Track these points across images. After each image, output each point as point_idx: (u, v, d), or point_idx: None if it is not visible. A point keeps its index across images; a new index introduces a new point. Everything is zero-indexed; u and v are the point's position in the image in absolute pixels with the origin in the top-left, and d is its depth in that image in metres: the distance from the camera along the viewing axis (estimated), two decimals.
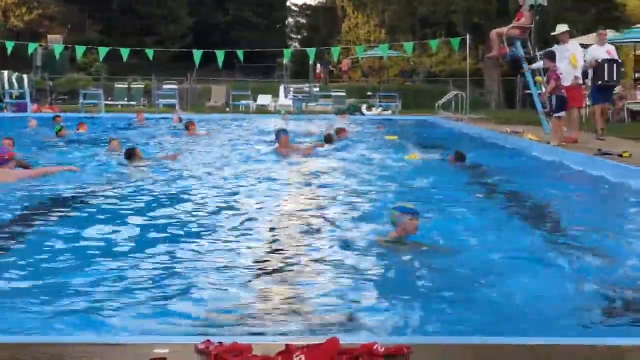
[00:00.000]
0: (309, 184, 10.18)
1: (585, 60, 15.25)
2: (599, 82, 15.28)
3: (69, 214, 7.67)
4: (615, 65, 15.19)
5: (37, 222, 7.22)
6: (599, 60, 15.10)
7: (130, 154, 11.97)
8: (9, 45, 23.38)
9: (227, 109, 32.66)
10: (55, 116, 23.10)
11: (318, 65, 45.69)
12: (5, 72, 30.75)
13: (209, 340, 3.22)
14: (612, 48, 15.79)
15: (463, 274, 5.33)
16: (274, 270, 5.46)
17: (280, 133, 13.93)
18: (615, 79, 15.44)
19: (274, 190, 9.54)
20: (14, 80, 30.66)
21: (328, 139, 15.49)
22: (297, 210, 8.12)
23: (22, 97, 29.78)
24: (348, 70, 47.71)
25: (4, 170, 9.26)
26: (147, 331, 4.00)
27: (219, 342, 3.20)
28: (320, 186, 9.95)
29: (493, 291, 4.85)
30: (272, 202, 8.71)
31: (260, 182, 10.36)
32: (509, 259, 5.80)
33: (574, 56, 14.54)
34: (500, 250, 6.05)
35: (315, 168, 11.74)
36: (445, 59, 44.37)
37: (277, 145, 13.71)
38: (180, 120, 22.98)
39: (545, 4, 17.60)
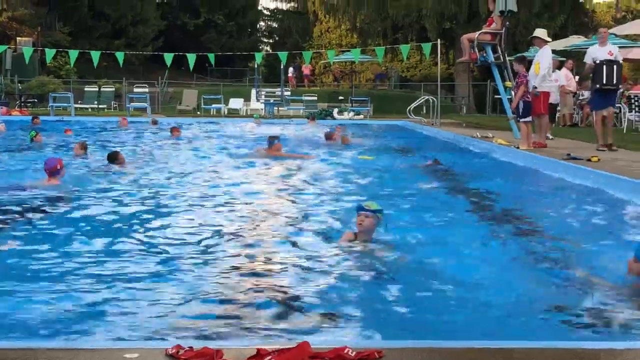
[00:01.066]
0: (286, 189, 10.20)
1: (584, 62, 14.92)
2: (597, 85, 14.23)
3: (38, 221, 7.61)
4: (615, 66, 14.02)
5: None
6: (597, 62, 14.09)
7: (114, 157, 11.91)
8: None
9: (199, 113, 32.56)
10: (34, 117, 22.97)
11: (291, 69, 45.81)
12: None
13: (179, 345, 3.20)
14: (614, 48, 14.54)
15: (432, 276, 5.36)
16: (247, 274, 5.45)
17: (274, 140, 14.08)
18: (615, 82, 14.14)
19: (251, 195, 9.55)
20: None
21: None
22: (272, 214, 8.14)
23: None
24: (310, 74, 47.83)
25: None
26: (117, 336, 3.97)
27: (190, 347, 3.18)
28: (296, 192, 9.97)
29: (460, 293, 4.89)
30: (248, 205, 8.72)
31: (244, 185, 10.50)
32: (474, 261, 5.86)
33: (539, 63, 14.58)
34: (466, 252, 6.13)
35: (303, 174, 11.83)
36: (417, 64, 44.70)
37: (268, 149, 13.92)
38: (156, 123, 22.92)
39: (515, 9, 17.76)
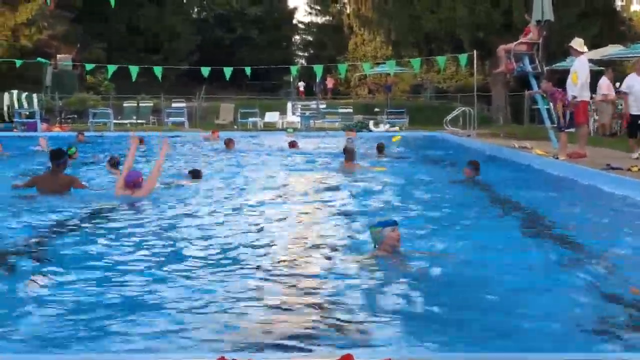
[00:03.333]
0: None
1: (622, 91, 14.98)
2: (632, 113, 14.45)
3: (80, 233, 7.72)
4: None
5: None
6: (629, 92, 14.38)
7: (196, 174, 12.33)
8: (19, 63, 23.43)
9: (235, 127, 32.78)
10: (79, 133, 23.27)
11: (301, 82, 46.19)
12: (15, 92, 31.00)
13: (223, 357, 3.23)
14: None
15: (466, 287, 5.35)
16: (291, 287, 5.49)
17: (350, 152, 14.24)
18: None
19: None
20: (23, 100, 30.90)
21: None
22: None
23: (32, 116, 29.98)
24: (334, 87, 47.88)
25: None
26: (164, 349, 4.02)
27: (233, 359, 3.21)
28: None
29: (498, 306, 4.87)
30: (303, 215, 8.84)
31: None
32: (511, 273, 5.82)
33: (576, 73, 14.48)
34: (504, 264, 6.10)
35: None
36: (453, 75, 44.56)
37: (344, 161, 14.12)
38: (212, 137, 23.23)
39: (552, 19, 17.63)
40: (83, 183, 10.60)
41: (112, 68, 27.47)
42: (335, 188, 11.64)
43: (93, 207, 9.25)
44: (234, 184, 12.20)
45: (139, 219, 8.50)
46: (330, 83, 47.11)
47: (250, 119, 33.73)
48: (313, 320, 4.58)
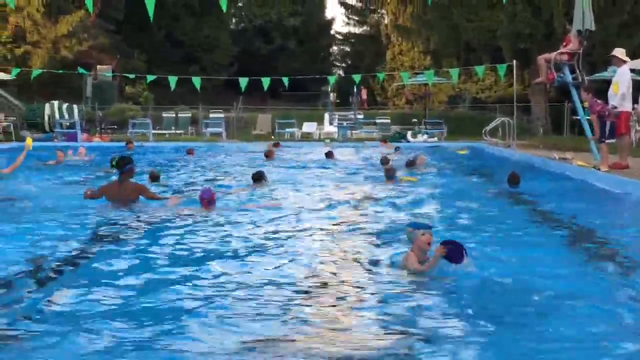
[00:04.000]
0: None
1: None
2: None
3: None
4: None
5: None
6: None
7: (259, 177, 12.61)
8: (60, 75, 23.80)
9: (273, 137, 32.87)
10: (128, 142, 23.56)
11: (332, 94, 46.20)
12: (56, 102, 31.45)
13: None
14: None
15: (506, 298, 5.27)
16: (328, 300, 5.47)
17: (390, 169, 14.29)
18: None
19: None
20: (64, 111, 31.33)
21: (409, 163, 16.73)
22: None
23: (73, 126, 30.37)
24: (367, 98, 47.77)
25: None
26: None
27: None
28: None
29: (537, 321, 4.78)
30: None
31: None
32: (550, 284, 5.73)
33: (617, 83, 14.26)
34: (544, 276, 6.01)
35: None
36: (492, 85, 44.24)
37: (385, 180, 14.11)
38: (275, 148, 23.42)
39: (593, 29, 17.38)
40: (152, 191, 10.62)
41: (150, 78, 27.70)
42: (373, 199, 11.57)
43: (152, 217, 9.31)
44: (273, 195, 12.19)
45: (203, 229, 8.60)
46: (364, 94, 47.05)
47: (288, 130, 33.85)
48: (356, 337, 4.56)
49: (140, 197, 10.19)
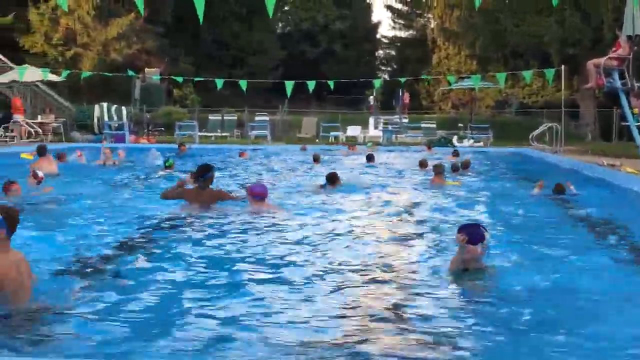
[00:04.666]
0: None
1: None
2: None
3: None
4: None
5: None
6: None
7: (334, 179, 12.78)
8: (109, 77, 24.20)
9: (317, 140, 32.95)
10: (180, 145, 23.90)
11: (371, 97, 46.05)
12: (105, 104, 31.97)
13: None
14: None
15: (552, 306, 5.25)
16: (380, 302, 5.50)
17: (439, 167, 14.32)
18: None
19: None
20: (113, 112, 31.81)
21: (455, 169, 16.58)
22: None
23: (121, 128, 30.83)
24: (410, 102, 47.44)
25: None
26: None
27: None
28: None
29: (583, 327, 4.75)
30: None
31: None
32: (595, 290, 5.70)
33: None
34: (589, 282, 5.99)
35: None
36: (539, 90, 43.74)
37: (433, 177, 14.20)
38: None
39: None
40: (232, 195, 10.90)
41: (198, 79, 27.97)
42: (417, 202, 11.59)
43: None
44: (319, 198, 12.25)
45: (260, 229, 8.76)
46: (406, 98, 46.79)
47: (332, 133, 33.91)
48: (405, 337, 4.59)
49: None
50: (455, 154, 22.17)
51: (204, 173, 10.20)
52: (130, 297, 5.48)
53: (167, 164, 16.53)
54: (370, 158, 20.21)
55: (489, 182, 15.38)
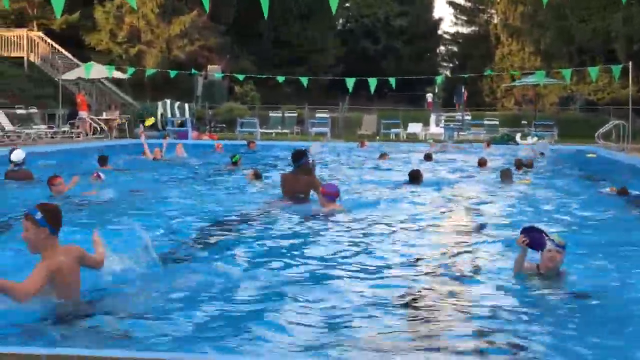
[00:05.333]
0: None
1: None
2: None
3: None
4: None
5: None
6: None
7: (416, 176, 13.01)
8: (173, 74, 24.50)
9: (378, 137, 32.81)
10: (249, 142, 24.21)
11: (430, 95, 45.77)
12: (168, 101, 32.39)
13: None
14: None
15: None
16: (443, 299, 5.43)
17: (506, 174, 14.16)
18: None
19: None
20: (176, 109, 32.22)
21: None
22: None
23: (184, 125, 31.19)
24: (466, 100, 46.90)
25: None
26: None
27: None
28: None
29: None
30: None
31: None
32: None
33: None
34: None
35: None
36: (605, 87, 42.81)
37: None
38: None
39: None
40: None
41: (260, 76, 28.11)
42: (483, 201, 11.46)
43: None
44: (384, 194, 12.18)
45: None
46: (465, 95, 46.20)
47: (393, 130, 33.74)
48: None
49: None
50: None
51: (297, 159, 10.41)
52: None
53: (233, 160, 16.84)
54: (427, 157, 19.92)
55: (555, 181, 15.08)
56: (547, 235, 5.87)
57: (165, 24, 41.07)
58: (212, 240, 7.95)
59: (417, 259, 6.96)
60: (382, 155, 20.27)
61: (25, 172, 13.06)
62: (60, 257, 4.94)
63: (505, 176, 13.90)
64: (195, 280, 5.90)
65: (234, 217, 9.47)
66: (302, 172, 10.37)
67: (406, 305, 5.31)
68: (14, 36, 34.15)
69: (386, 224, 9.12)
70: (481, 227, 9.03)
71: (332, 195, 9.66)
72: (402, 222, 9.30)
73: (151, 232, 7.89)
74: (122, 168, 16.47)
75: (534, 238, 5.83)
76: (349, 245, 7.69)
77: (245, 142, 25.64)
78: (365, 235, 8.36)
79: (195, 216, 9.52)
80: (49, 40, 34.57)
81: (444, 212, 10.37)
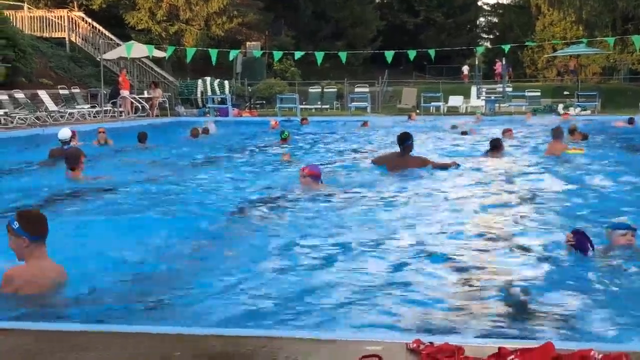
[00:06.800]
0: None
1: None
2: None
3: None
4: None
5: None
6: None
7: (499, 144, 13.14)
8: (213, 54, 24.57)
9: (418, 111, 32.63)
10: (302, 119, 24.52)
11: (465, 67, 45.22)
12: (208, 79, 32.53)
13: (419, 340, 3.21)
14: None
15: None
16: (486, 274, 5.42)
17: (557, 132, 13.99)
18: None
19: None
20: (216, 86, 32.35)
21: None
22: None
23: (224, 102, 31.32)
24: (502, 71, 46.33)
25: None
26: (359, 328, 4.08)
27: (430, 342, 3.18)
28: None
29: None
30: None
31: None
32: None
33: None
34: None
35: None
36: None
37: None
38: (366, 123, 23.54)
39: None
40: (437, 162, 11.44)
41: (298, 54, 28.07)
42: (534, 173, 11.39)
43: None
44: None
45: None
46: (499, 67, 45.43)
47: (433, 104, 33.50)
48: (511, 310, 4.53)
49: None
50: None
51: (404, 141, 10.88)
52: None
53: (283, 136, 17.00)
54: (464, 134, 19.68)
55: (602, 150, 14.78)
56: (592, 247, 5.70)
57: (203, 1, 41.12)
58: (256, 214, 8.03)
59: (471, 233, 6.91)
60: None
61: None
62: (33, 272, 4.75)
63: (557, 134, 13.63)
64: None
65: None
66: (408, 153, 10.98)
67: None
68: (55, 17, 34.50)
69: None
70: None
71: (317, 175, 9.38)
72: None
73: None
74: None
75: (579, 241, 5.70)
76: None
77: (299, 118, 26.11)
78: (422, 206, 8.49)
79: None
80: (89, 20, 34.86)
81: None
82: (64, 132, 13.61)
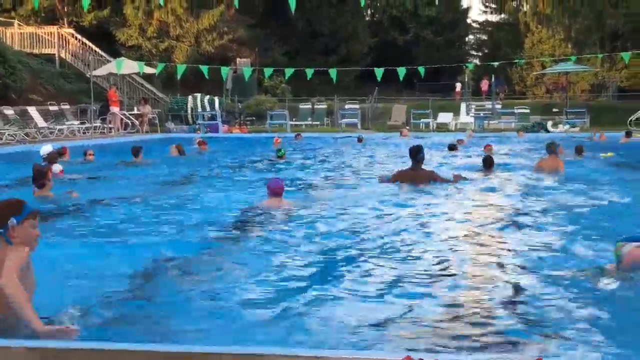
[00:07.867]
0: None
1: None
2: None
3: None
4: None
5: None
6: None
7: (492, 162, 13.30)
8: (204, 70, 24.57)
9: (407, 128, 32.69)
10: (297, 135, 24.54)
11: (458, 84, 45.41)
12: (198, 95, 32.55)
13: (410, 357, 3.19)
14: None
15: None
16: (478, 291, 5.44)
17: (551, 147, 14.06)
18: None
19: None
20: (206, 103, 32.37)
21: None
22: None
23: (214, 118, 31.33)
24: (487, 89, 46.53)
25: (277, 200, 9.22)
26: (350, 346, 4.08)
27: (420, 359, 3.16)
28: None
29: None
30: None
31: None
32: None
33: None
34: None
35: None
36: (637, 73, 42.22)
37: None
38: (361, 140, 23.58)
39: None
40: (443, 176, 11.55)
41: (289, 71, 28.10)
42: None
43: None
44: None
45: None
46: (484, 85, 45.52)
47: (423, 120, 33.59)
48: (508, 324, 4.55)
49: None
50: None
51: (416, 154, 11.10)
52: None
53: (279, 154, 17.08)
54: (452, 148, 19.72)
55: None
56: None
57: (193, 18, 41.22)
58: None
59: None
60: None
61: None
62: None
63: (551, 149, 13.70)
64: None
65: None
66: (420, 166, 11.21)
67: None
68: (45, 33, 34.50)
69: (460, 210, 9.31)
70: None
71: (278, 190, 9.17)
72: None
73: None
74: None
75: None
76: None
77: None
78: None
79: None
80: (79, 37, 34.89)
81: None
82: (45, 148, 13.56)
